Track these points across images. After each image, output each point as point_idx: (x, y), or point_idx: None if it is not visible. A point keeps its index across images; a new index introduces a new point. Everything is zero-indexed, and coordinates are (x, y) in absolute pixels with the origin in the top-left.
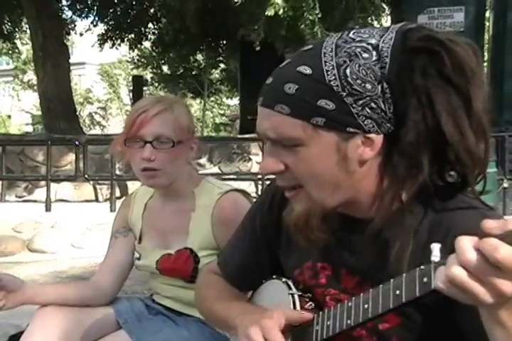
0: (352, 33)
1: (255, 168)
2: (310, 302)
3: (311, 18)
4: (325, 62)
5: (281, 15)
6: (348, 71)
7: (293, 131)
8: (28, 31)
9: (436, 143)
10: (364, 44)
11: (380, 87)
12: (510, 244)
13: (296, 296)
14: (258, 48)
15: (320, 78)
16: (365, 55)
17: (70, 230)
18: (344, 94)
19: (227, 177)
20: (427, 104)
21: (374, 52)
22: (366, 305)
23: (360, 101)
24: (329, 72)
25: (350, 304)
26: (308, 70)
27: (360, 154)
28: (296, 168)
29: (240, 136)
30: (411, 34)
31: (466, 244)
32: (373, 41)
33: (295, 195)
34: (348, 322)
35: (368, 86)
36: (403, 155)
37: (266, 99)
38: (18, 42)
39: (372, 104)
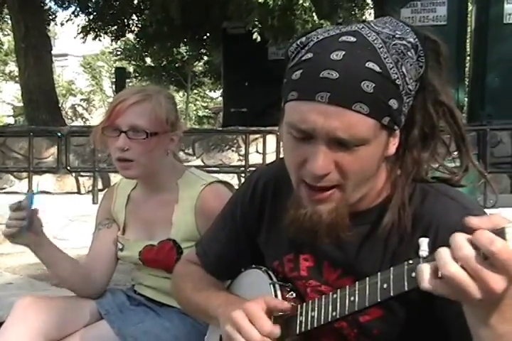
0: (379, 26)
1: (238, 161)
2: (291, 292)
3: (305, 5)
4: (385, 58)
5: (271, 4)
6: (404, 69)
7: (366, 131)
8: (10, 22)
9: (434, 135)
10: (405, 42)
11: (415, 85)
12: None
13: (277, 286)
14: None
15: (388, 76)
16: (410, 54)
17: (52, 222)
18: (403, 92)
19: (210, 169)
20: (430, 99)
21: (413, 51)
22: (352, 298)
23: (408, 100)
24: (392, 70)
25: (335, 296)
26: (377, 67)
27: (390, 149)
28: (350, 168)
29: (223, 129)
30: (419, 34)
31: (462, 239)
32: (411, 40)
33: (329, 195)
34: (334, 314)
35: (413, 85)
36: (411, 149)
37: (337, 96)
38: None
39: (410, 103)
